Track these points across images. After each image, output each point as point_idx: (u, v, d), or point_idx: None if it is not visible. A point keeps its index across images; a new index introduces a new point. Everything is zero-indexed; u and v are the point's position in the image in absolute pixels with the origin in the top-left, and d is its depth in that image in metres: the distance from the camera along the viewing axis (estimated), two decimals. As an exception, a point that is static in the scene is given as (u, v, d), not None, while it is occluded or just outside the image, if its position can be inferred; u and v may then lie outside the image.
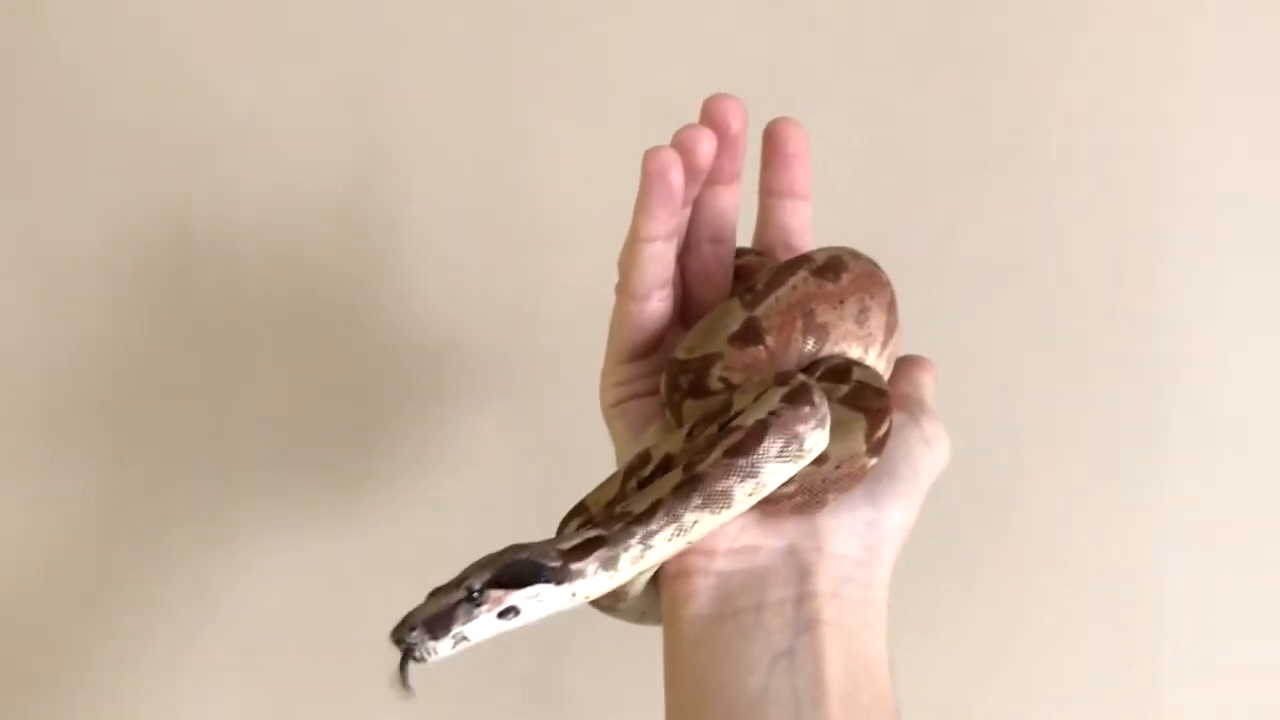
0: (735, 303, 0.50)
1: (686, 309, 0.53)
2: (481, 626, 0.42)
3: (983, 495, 0.74)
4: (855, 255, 0.51)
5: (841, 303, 0.50)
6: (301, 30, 0.74)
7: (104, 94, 0.74)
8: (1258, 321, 0.74)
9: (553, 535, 0.49)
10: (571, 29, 0.74)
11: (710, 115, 0.48)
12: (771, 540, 0.46)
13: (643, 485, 0.46)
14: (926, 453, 0.48)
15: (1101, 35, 0.73)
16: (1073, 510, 0.75)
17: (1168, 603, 0.75)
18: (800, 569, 0.45)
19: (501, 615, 0.42)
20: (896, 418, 0.48)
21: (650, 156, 0.46)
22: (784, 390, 0.44)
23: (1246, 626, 0.75)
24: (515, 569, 0.43)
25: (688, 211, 0.50)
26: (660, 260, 0.49)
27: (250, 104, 0.74)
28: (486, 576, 0.43)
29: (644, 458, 0.47)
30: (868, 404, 0.46)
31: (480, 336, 0.75)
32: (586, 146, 0.74)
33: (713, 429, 0.45)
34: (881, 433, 0.46)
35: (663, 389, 0.49)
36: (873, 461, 0.46)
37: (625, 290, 0.50)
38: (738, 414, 0.44)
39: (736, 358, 0.48)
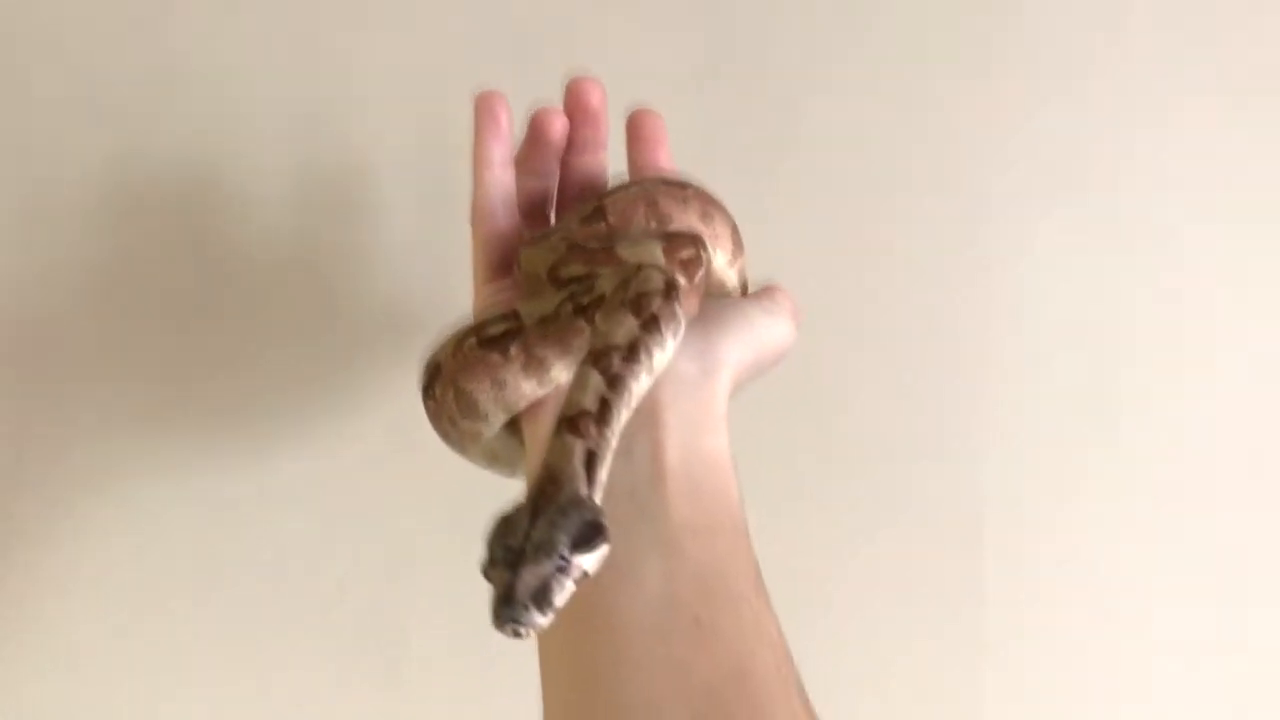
0: (593, 200, 0.57)
1: None
2: (565, 596, 0.41)
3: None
4: (703, 186, 0.58)
5: (685, 202, 0.56)
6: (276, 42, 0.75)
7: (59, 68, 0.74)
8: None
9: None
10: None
11: (571, 93, 0.58)
12: None
13: (579, 310, 0.51)
14: (762, 315, 0.55)
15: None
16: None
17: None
18: None
19: (576, 581, 0.41)
20: (743, 297, 0.56)
21: (479, 99, 0.57)
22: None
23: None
24: (586, 531, 0.42)
25: (554, 178, 0.59)
26: (498, 184, 0.57)
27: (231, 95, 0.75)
28: (568, 542, 0.41)
29: (589, 287, 0.51)
30: (672, 233, 0.54)
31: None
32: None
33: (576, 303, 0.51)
34: (683, 256, 0.52)
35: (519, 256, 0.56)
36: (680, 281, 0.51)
37: (473, 213, 0.58)
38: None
39: (580, 230, 0.55)
